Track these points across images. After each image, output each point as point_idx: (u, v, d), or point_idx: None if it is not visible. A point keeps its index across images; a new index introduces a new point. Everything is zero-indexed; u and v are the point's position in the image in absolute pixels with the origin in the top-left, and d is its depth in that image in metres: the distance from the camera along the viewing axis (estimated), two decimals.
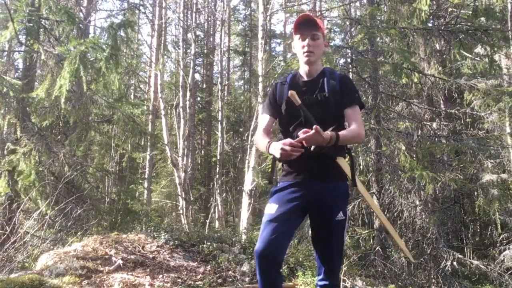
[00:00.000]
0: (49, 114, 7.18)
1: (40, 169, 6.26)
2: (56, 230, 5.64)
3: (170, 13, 13.70)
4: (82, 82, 5.86)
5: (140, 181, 12.90)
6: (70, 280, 3.61)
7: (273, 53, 18.32)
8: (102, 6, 23.32)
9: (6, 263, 4.61)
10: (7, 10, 6.00)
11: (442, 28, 7.77)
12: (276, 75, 8.88)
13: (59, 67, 6.17)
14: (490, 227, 11.44)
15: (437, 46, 8.58)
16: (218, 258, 4.69)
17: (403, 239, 6.70)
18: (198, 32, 15.59)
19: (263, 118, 2.36)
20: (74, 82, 6.02)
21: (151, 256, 4.52)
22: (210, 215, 12.23)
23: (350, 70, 7.16)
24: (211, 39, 18.29)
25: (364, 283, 4.75)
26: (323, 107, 2.18)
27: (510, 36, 7.57)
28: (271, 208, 2.14)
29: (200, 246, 5.00)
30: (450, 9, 8.71)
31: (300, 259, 4.99)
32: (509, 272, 6.90)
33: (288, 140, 2.01)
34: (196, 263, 4.64)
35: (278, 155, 2.04)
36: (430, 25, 8.29)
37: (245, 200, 8.83)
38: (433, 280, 6.51)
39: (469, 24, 7.71)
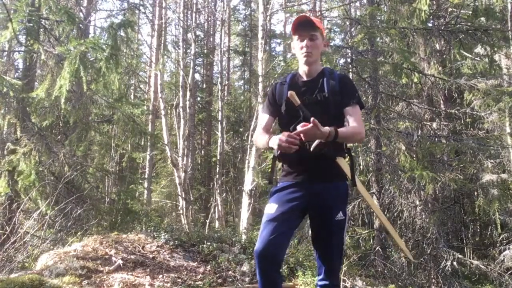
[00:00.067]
0: (49, 114, 7.18)
1: (40, 169, 6.26)
2: (56, 230, 5.64)
3: (170, 13, 13.72)
4: (82, 82, 5.87)
5: (140, 181, 12.90)
6: (70, 280, 3.61)
7: (273, 53, 18.32)
8: (102, 6, 23.38)
9: (6, 263, 4.62)
10: (6, 11, 5.99)
11: (442, 28, 7.78)
12: (276, 75, 8.89)
13: (59, 67, 6.17)
14: (490, 227, 11.44)
15: (437, 46, 8.58)
16: (218, 258, 4.69)
17: (403, 239, 6.70)
18: (198, 32, 15.60)
19: (262, 118, 2.36)
20: (74, 82, 6.02)
21: (151, 256, 4.53)
22: (210, 215, 12.23)
23: (350, 70, 7.16)
24: (211, 39, 18.30)
25: (364, 283, 4.75)
26: (323, 107, 2.17)
27: (510, 36, 7.57)
28: (271, 208, 2.15)
29: (200, 246, 5.00)
30: (450, 9, 8.71)
31: (300, 259, 5.00)
32: (509, 272, 6.90)
33: (287, 133, 2.00)
34: (196, 263, 4.64)
35: (275, 147, 2.03)
36: (430, 25, 8.29)
37: (245, 200, 8.83)
38: (433, 280, 6.51)
39: (469, 24, 7.71)
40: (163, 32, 12.79)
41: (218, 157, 13.21)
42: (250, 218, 8.91)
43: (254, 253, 2.04)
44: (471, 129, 9.43)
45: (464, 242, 11.91)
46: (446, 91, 8.15)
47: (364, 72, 7.10)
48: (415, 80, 7.92)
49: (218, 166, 13.20)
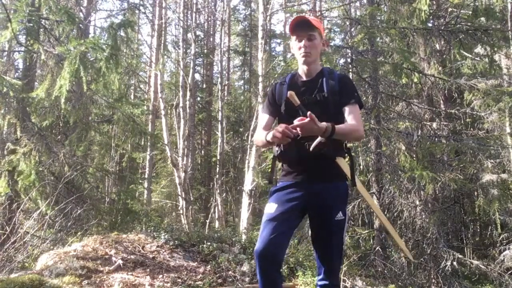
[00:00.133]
0: (49, 114, 7.18)
1: (40, 169, 6.26)
2: (56, 230, 5.64)
3: (170, 13, 13.72)
4: (82, 82, 5.87)
5: (140, 181, 12.90)
6: (70, 280, 3.61)
7: (273, 53, 18.33)
8: (102, 6, 23.36)
9: (6, 263, 4.62)
10: (6, 12, 5.99)
11: (442, 28, 7.78)
12: (276, 75, 8.89)
13: (59, 67, 6.17)
14: (490, 227, 11.44)
15: (437, 46, 8.58)
16: (218, 258, 4.69)
17: (403, 239, 6.70)
18: (198, 32, 15.60)
19: (262, 118, 2.36)
20: (74, 82, 6.02)
21: (151, 256, 4.53)
22: (210, 215, 12.23)
23: (350, 70, 7.16)
24: (211, 39, 18.30)
25: (364, 283, 4.75)
26: (322, 107, 2.17)
27: (510, 36, 7.57)
28: (270, 208, 2.15)
29: (200, 246, 5.00)
30: (450, 9, 8.71)
31: (300, 259, 5.00)
32: (509, 272, 6.90)
33: (284, 125, 1.99)
34: (196, 263, 4.64)
35: (270, 138, 2.02)
36: (430, 25, 8.29)
37: (245, 200, 8.83)
38: (433, 280, 6.51)
39: (469, 24, 7.71)
40: (163, 32, 12.79)
41: (218, 157, 13.21)
42: (250, 218, 8.91)
43: (255, 253, 2.04)
44: (471, 129, 9.43)
45: (464, 242, 11.91)
46: (446, 91, 8.15)
47: (364, 72, 7.09)
48: (415, 80, 7.92)
49: (218, 166, 13.20)
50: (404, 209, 6.58)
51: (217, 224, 11.17)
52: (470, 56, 8.52)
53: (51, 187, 6.21)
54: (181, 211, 10.64)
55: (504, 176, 7.64)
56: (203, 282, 4.13)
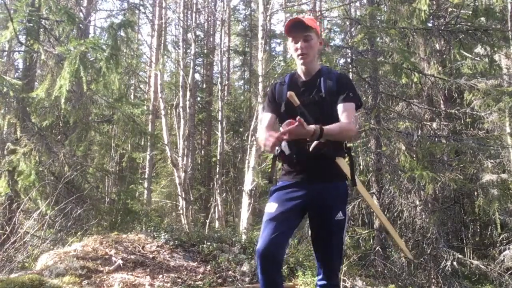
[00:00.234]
0: (49, 114, 7.18)
1: (40, 169, 6.26)
2: (56, 230, 5.64)
3: (170, 13, 13.72)
4: (82, 82, 5.87)
5: (140, 181, 12.90)
6: (70, 280, 3.61)
7: (273, 53, 18.33)
8: (102, 6, 23.35)
9: (6, 263, 4.62)
10: (7, 11, 5.99)
11: (442, 28, 7.77)
12: (276, 75, 8.89)
13: (59, 67, 6.17)
14: (490, 227, 11.44)
15: (437, 46, 8.57)
16: (218, 258, 4.69)
17: (403, 239, 6.70)
18: (198, 32, 15.60)
19: (265, 117, 2.36)
20: (74, 82, 6.02)
21: (151, 256, 4.53)
22: (210, 215, 12.23)
23: (350, 70, 7.16)
24: (211, 39, 18.29)
25: (364, 283, 4.75)
26: (321, 108, 2.18)
27: (510, 36, 7.57)
28: (271, 207, 2.15)
29: (200, 246, 5.00)
30: (450, 9, 8.71)
31: (300, 259, 4.99)
32: (509, 272, 6.90)
33: (269, 133, 1.99)
34: (196, 263, 4.64)
35: (263, 150, 2.04)
36: (430, 25, 8.29)
37: (245, 200, 8.83)
38: (433, 280, 6.51)
39: (469, 24, 7.71)
40: (163, 32, 12.79)
41: (218, 157, 13.21)
42: (250, 218, 8.92)
43: (256, 253, 2.05)
44: (471, 129, 9.42)
45: (464, 242, 11.91)
46: (446, 91, 8.14)
47: (364, 72, 7.09)
48: (415, 80, 7.92)
49: (218, 166, 13.20)
50: (404, 209, 6.58)
51: (217, 224, 11.17)
52: (470, 56, 8.52)
53: (51, 187, 6.21)
54: (181, 211, 10.64)
55: (504, 176, 7.63)
56: (203, 282, 4.13)
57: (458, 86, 7.52)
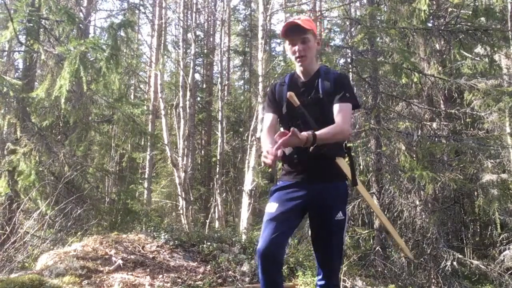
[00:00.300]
0: (49, 114, 7.18)
1: (40, 169, 6.26)
2: (56, 230, 5.64)
3: (170, 13, 13.72)
4: (82, 82, 5.86)
5: (140, 181, 12.90)
6: (70, 280, 3.61)
7: (273, 53, 18.31)
8: (102, 6, 23.35)
9: (6, 263, 4.61)
10: (7, 11, 5.99)
11: (442, 28, 7.77)
12: (276, 75, 8.89)
13: (59, 67, 6.17)
14: (490, 227, 11.44)
15: (437, 46, 8.58)
16: (218, 258, 4.69)
17: (403, 239, 6.70)
18: (198, 32, 15.60)
19: (267, 118, 2.36)
20: (74, 82, 6.02)
21: (151, 256, 4.53)
22: (210, 215, 12.23)
23: (350, 70, 7.16)
24: (211, 39, 18.30)
25: (364, 283, 4.75)
26: (320, 108, 2.19)
27: (510, 36, 7.57)
28: (271, 207, 2.16)
29: (200, 246, 5.00)
30: (450, 9, 8.71)
31: (300, 259, 4.99)
32: (509, 272, 6.90)
33: (269, 149, 1.98)
34: (196, 263, 4.64)
35: (263, 164, 2.05)
36: (430, 25, 8.29)
37: (245, 200, 8.83)
38: (433, 280, 6.51)
39: (469, 24, 7.71)
40: (163, 32, 12.79)
41: (218, 157, 13.21)
42: (250, 218, 8.91)
43: (257, 252, 2.05)
44: (471, 129, 9.42)
45: (464, 242, 11.91)
46: (446, 91, 8.14)
47: (364, 72, 7.09)
48: (415, 80, 7.92)
49: (218, 166, 13.20)
50: (404, 209, 6.58)
51: (217, 224, 11.17)
52: (470, 56, 8.52)
53: (51, 187, 6.21)
54: (181, 211, 10.64)
55: (504, 176, 7.63)
56: (203, 282, 4.13)
57: (458, 86, 7.52)
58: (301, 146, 2.00)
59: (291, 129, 1.92)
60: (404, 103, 8.27)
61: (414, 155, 7.01)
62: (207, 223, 11.16)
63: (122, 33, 6.70)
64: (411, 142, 6.76)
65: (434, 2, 8.38)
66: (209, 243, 5.02)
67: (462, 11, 8.37)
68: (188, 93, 12.24)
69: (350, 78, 7.17)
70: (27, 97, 6.45)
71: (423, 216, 6.59)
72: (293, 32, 2.20)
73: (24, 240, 5.26)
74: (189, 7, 12.97)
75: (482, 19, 7.80)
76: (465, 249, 11.32)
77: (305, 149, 2.07)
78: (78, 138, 7.18)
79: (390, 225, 2.62)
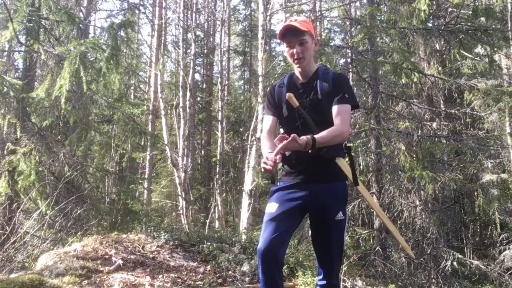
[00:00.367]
0: (49, 114, 7.17)
1: (40, 169, 6.25)
2: (56, 230, 5.64)
3: (170, 13, 13.71)
4: (82, 82, 5.86)
5: (140, 181, 12.90)
6: (70, 280, 3.61)
7: (273, 53, 18.29)
8: (102, 6, 23.31)
9: (6, 263, 4.61)
10: (7, 11, 5.99)
11: (442, 28, 7.78)
12: (276, 75, 8.88)
13: (59, 67, 6.18)
14: (490, 227, 11.43)
15: (437, 46, 8.58)
16: (218, 258, 4.69)
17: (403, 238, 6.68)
18: (198, 32, 15.60)
19: (266, 120, 2.36)
20: (74, 82, 6.02)
21: (151, 256, 4.53)
22: (210, 215, 12.23)
23: (350, 70, 7.15)
24: (211, 39, 18.30)
25: (364, 283, 4.76)
26: (318, 109, 2.19)
27: (510, 36, 7.57)
28: (272, 207, 2.16)
29: (200, 246, 5.00)
30: (450, 9, 8.71)
31: (300, 259, 5.00)
32: (509, 272, 6.90)
33: (268, 156, 2.01)
34: (196, 263, 4.64)
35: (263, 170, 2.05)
36: (430, 25, 8.29)
37: (245, 200, 8.83)
38: (433, 280, 6.50)
39: (469, 24, 7.72)
40: (163, 32, 12.78)
41: (218, 157, 13.21)
42: (250, 218, 8.91)
43: (257, 252, 2.06)
44: (471, 129, 9.42)
45: (464, 242, 11.91)
46: (446, 91, 8.15)
47: (364, 72, 7.09)
48: (415, 80, 7.92)
49: (218, 166, 13.20)
50: (404, 209, 6.58)
51: (217, 224, 11.18)
52: (470, 56, 8.52)
53: (51, 187, 6.20)
54: (181, 211, 10.64)
55: (504, 176, 7.64)
56: (203, 282, 4.13)
57: (458, 86, 7.52)
58: (301, 150, 2.01)
59: (292, 135, 1.93)
60: (404, 103, 8.27)
61: (414, 155, 7.00)
62: (207, 223, 11.16)
63: (122, 33, 6.72)
64: (411, 142, 6.76)
65: (434, 2, 8.38)
66: (209, 243, 5.02)
67: (462, 11, 8.37)
68: (188, 93, 12.24)
69: (350, 78, 7.17)
70: (27, 97, 6.45)
71: (423, 216, 6.59)
72: (291, 34, 2.20)
73: (24, 240, 5.26)
74: (189, 7, 12.98)
75: (482, 19, 7.81)
76: (465, 249, 11.32)
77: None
78: (78, 138, 7.18)
79: (391, 224, 2.62)
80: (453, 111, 7.56)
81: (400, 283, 5.97)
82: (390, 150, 7.03)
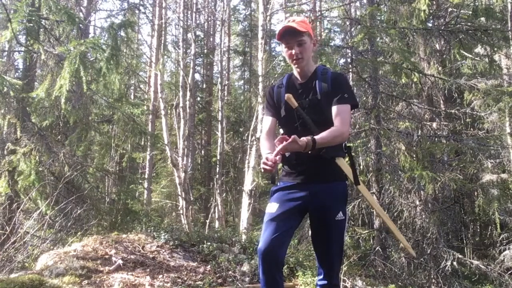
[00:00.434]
0: (49, 114, 7.17)
1: (40, 169, 6.25)
2: (56, 230, 5.64)
3: (170, 13, 13.71)
4: (82, 82, 5.86)
5: (140, 181, 12.90)
6: (70, 280, 3.61)
7: (273, 53, 18.29)
8: (102, 6, 23.30)
9: (6, 263, 4.61)
10: (6, 12, 5.99)
11: (442, 28, 7.78)
12: (276, 75, 8.88)
13: (59, 67, 6.18)
14: (490, 227, 11.43)
15: (437, 46, 8.58)
16: (218, 258, 4.69)
17: None
18: (198, 32, 15.60)
19: (266, 121, 2.37)
20: (74, 82, 6.01)
21: (151, 256, 4.53)
22: (210, 215, 12.24)
23: (350, 70, 7.15)
24: (211, 39, 18.30)
25: (364, 283, 4.76)
26: (318, 110, 2.19)
27: (510, 36, 7.57)
28: (272, 207, 2.17)
29: (200, 246, 5.00)
30: (450, 9, 8.71)
31: (300, 259, 5.00)
32: (509, 272, 6.89)
33: (265, 158, 2.02)
34: (196, 263, 4.64)
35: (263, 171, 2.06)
36: (430, 25, 8.30)
37: (245, 200, 8.83)
38: (433, 280, 6.50)
39: (469, 24, 7.72)
40: (163, 32, 12.78)
41: (218, 157, 13.22)
42: (250, 218, 8.91)
43: (258, 252, 2.07)
44: (471, 129, 9.42)
45: (464, 242, 11.91)
46: (446, 91, 8.15)
47: (364, 72, 7.09)
48: (415, 80, 7.92)
49: (218, 166, 13.20)
50: (404, 209, 6.58)
51: (217, 224, 11.18)
52: (470, 56, 8.52)
53: (51, 187, 6.20)
54: (181, 211, 10.64)
55: (504, 176, 7.64)
56: (203, 282, 4.13)
57: (458, 86, 7.52)
58: (301, 151, 2.01)
59: (292, 136, 1.93)
60: (404, 103, 8.27)
61: (414, 155, 7.00)
62: (207, 223, 11.17)
63: (122, 33, 6.71)
64: (411, 142, 6.76)
65: (434, 2, 8.38)
66: (209, 243, 5.02)
67: (462, 11, 8.37)
68: (188, 93, 12.24)
69: (350, 78, 7.17)
70: (27, 97, 6.45)
71: (423, 216, 6.59)
72: (289, 35, 2.20)
73: (24, 240, 5.26)
74: (189, 7, 12.98)
75: (482, 19, 7.81)
76: (465, 249, 11.32)
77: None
78: (78, 138, 7.18)
79: (391, 223, 2.62)
80: (453, 111, 7.56)
81: (400, 283, 5.97)
82: (390, 150, 7.03)
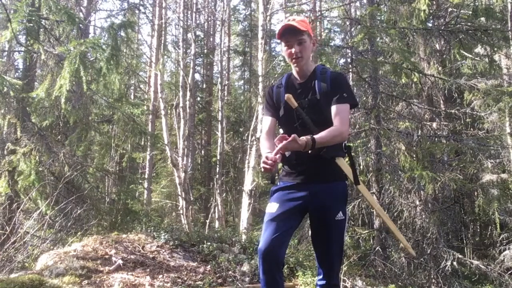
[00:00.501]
0: (49, 114, 7.17)
1: (40, 169, 6.25)
2: (56, 230, 5.64)
3: (170, 13, 13.71)
4: (82, 82, 5.86)
5: (140, 181, 12.90)
6: (70, 280, 3.61)
7: (273, 53, 18.28)
8: (102, 6, 23.30)
9: (6, 263, 4.62)
10: (6, 12, 5.99)
11: (442, 28, 7.78)
12: (276, 75, 8.89)
13: (59, 67, 6.18)
14: (490, 227, 11.43)
15: (437, 46, 8.58)
16: (218, 258, 4.69)
17: None
18: (198, 32, 15.60)
19: (265, 121, 2.37)
20: (74, 82, 6.02)
21: (151, 256, 4.53)
22: (210, 215, 12.24)
23: (350, 70, 7.15)
24: (211, 39, 18.30)
25: (364, 283, 4.76)
26: (317, 109, 2.19)
27: (510, 36, 7.57)
28: (272, 207, 2.17)
29: (200, 246, 5.00)
30: (450, 9, 8.71)
31: (300, 259, 5.00)
32: (509, 272, 6.89)
33: (265, 157, 2.01)
34: (196, 263, 4.64)
35: (263, 170, 2.06)
36: (430, 25, 8.30)
37: (245, 200, 8.83)
38: (433, 280, 6.50)
39: (469, 24, 7.72)
40: (163, 32, 12.78)
41: (218, 157, 13.22)
42: (250, 218, 8.91)
43: (258, 252, 2.07)
44: (471, 129, 9.42)
45: (464, 242, 11.91)
46: (446, 91, 8.15)
47: (364, 72, 7.09)
48: (415, 80, 7.92)
49: (218, 166, 13.21)
50: (404, 209, 6.58)
51: (217, 224, 11.18)
52: (470, 56, 8.52)
53: (51, 187, 6.21)
54: (181, 211, 10.64)
55: (504, 176, 7.64)
56: (203, 282, 4.13)
57: (458, 86, 7.52)
58: (300, 150, 2.01)
59: (292, 136, 1.93)
60: (404, 103, 8.26)
61: (414, 155, 7.00)
62: (207, 223, 11.17)
63: (122, 33, 6.71)
64: (411, 142, 6.76)
65: (434, 2, 8.38)
66: (209, 243, 5.02)
67: (462, 11, 8.37)
68: (188, 93, 12.24)
69: (350, 78, 7.17)
70: (27, 97, 6.45)
71: (423, 216, 6.59)
72: (289, 34, 2.20)
73: (24, 240, 5.26)
74: (189, 7, 12.98)
75: (482, 19, 7.81)
76: (465, 249, 11.32)
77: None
78: (78, 138, 7.18)
79: (391, 223, 2.62)
80: (453, 111, 7.56)
81: (400, 283, 5.97)
82: (390, 150, 7.03)
